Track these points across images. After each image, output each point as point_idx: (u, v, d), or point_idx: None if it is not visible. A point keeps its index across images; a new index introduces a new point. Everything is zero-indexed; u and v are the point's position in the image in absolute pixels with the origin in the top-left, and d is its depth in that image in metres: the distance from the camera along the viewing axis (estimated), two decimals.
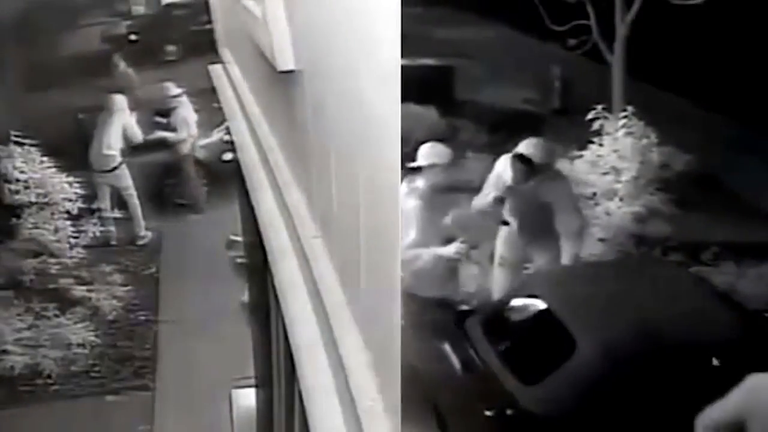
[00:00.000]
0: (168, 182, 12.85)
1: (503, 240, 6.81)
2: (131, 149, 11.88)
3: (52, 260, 9.77)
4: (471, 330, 5.72)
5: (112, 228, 11.38)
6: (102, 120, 11.78)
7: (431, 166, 6.12)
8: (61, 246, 9.83)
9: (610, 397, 4.81)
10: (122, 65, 13.99)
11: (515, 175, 6.41)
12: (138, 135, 11.92)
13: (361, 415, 2.34)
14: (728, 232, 8.93)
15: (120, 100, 11.92)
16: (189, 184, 12.60)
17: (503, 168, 6.56)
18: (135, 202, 11.86)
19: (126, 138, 11.71)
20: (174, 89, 12.41)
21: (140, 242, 11.83)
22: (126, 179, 11.74)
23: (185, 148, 12.48)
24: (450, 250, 6.20)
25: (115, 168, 11.62)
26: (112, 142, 11.61)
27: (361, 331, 2.60)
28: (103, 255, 10.66)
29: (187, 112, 12.38)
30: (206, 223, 12.06)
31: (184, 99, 12.38)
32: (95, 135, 11.70)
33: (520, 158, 6.38)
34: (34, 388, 8.87)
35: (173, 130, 12.36)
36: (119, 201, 11.76)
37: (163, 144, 12.49)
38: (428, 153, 6.16)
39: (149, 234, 11.91)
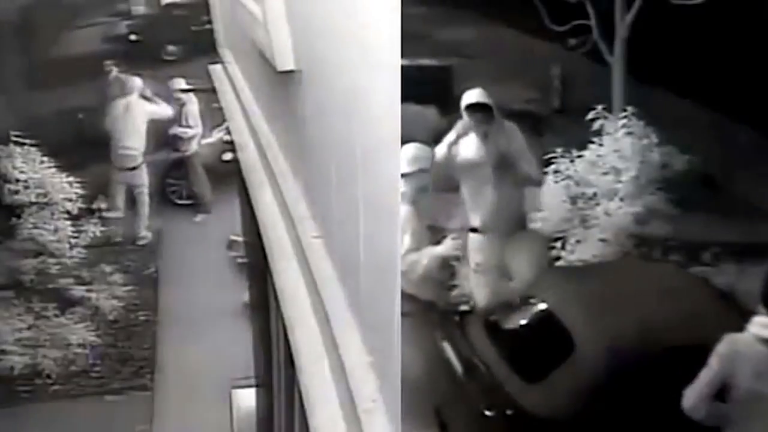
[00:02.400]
0: (170, 182, 12.82)
1: (474, 246, 6.81)
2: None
3: (52, 260, 9.75)
4: (471, 330, 5.72)
5: (114, 227, 11.36)
6: (119, 112, 11.77)
7: (418, 172, 6.05)
8: (61, 246, 9.82)
9: (609, 396, 4.81)
10: (114, 71, 13.98)
11: (476, 126, 6.58)
12: (167, 110, 11.97)
13: (361, 416, 2.34)
14: (728, 232, 8.92)
15: (138, 83, 11.94)
16: (197, 182, 12.55)
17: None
18: (145, 200, 11.89)
19: (155, 124, 11.80)
20: (182, 84, 12.38)
21: (140, 242, 11.83)
22: (142, 178, 11.82)
23: (194, 146, 12.46)
24: (446, 247, 6.19)
25: (135, 167, 11.70)
26: (133, 143, 11.66)
27: (361, 331, 2.60)
28: (103, 255, 10.65)
29: (194, 109, 12.34)
30: (206, 223, 12.07)
31: (191, 96, 12.34)
32: (114, 131, 11.72)
33: (474, 107, 6.53)
34: (34, 388, 8.87)
35: (186, 126, 12.35)
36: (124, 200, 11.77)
37: (169, 142, 12.48)
38: (412, 158, 6.09)
39: (149, 235, 11.90)
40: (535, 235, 7.03)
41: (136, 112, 11.82)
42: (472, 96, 6.60)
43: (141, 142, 11.74)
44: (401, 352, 2.26)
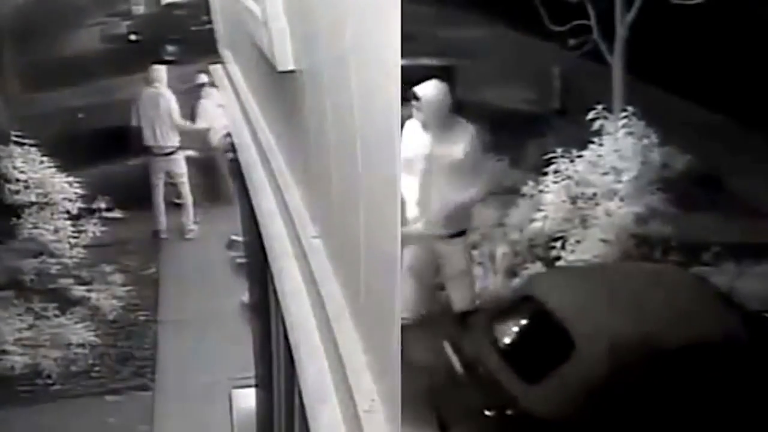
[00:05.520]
0: (168, 181, 12.78)
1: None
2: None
3: (52, 260, 9.75)
4: (471, 329, 5.72)
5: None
6: (149, 100, 11.75)
7: None
8: (61, 246, 9.82)
9: (609, 396, 4.81)
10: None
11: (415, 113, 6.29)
12: (177, 117, 11.89)
13: (361, 416, 2.34)
14: (728, 232, 8.92)
15: (161, 72, 11.91)
16: (220, 177, 12.49)
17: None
18: (187, 191, 11.93)
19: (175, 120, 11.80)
20: (202, 78, 12.34)
21: (188, 236, 11.90)
22: (182, 165, 11.85)
23: (214, 141, 12.43)
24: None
25: (173, 152, 11.72)
26: (166, 126, 11.68)
27: (361, 332, 2.60)
28: (103, 255, 10.65)
29: (211, 104, 12.26)
30: (206, 223, 12.06)
31: (213, 91, 12.27)
32: (147, 119, 11.69)
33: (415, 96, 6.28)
34: (34, 388, 8.86)
35: (192, 120, 12.32)
36: (122, 199, 11.76)
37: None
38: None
39: (196, 228, 11.95)
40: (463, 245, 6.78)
41: (162, 101, 11.80)
42: (425, 88, 6.31)
43: (173, 130, 11.77)
44: (401, 352, 2.26)
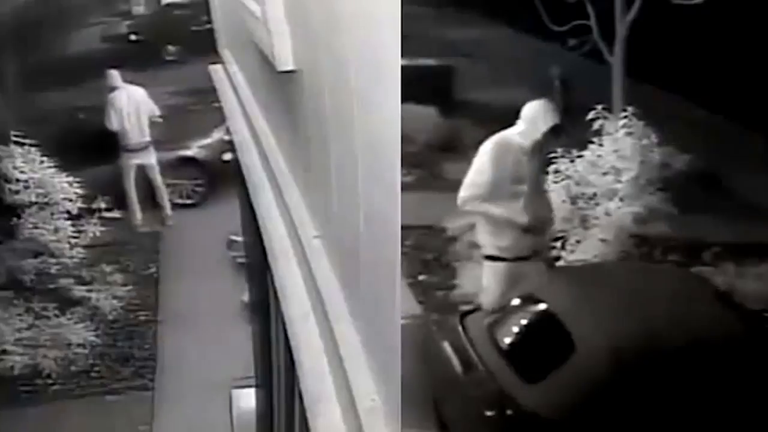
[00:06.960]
0: (171, 182, 12.81)
1: (493, 277, 6.24)
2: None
3: (52, 260, 9.75)
4: (471, 329, 5.72)
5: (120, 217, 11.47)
6: (124, 100, 11.94)
7: None
8: (61, 246, 9.82)
9: (609, 396, 4.81)
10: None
11: (544, 146, 6.16)
12: (156, 109, 12.22)
13: (361, 415, 2.34)
14: (728, 232, 8.93)
15: (116, 75, 12.14)
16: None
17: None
18: (161, 182, 12.21)
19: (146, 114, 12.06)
20: None
21: (168, 222, 12.21)
22: (153, 158, 12.13)
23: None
24: None
25: (146, 147, 12.03)
26: (143, 123, 11.97)
27: (361, 331, 2.60)
28: (103, 255, 10.65)
29: None
30: (205, 222, 12.07)
31: None
32: (122, 116, 11.88)
33: (557, 128, 6.07)
34: (34, 388, 8.86)
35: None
36: (122, 199, 11.78)
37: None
38: None
39: (171, 214, 12.25)
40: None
41: (141, 97, 12.09)
42: (552, 115, 6.06)
43: (146, 123, 12.06)
44: (401, 352, 2.26)
